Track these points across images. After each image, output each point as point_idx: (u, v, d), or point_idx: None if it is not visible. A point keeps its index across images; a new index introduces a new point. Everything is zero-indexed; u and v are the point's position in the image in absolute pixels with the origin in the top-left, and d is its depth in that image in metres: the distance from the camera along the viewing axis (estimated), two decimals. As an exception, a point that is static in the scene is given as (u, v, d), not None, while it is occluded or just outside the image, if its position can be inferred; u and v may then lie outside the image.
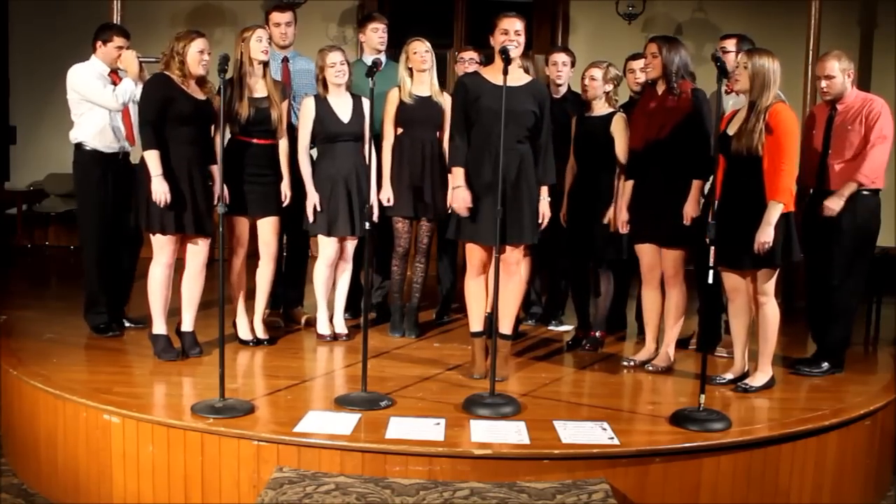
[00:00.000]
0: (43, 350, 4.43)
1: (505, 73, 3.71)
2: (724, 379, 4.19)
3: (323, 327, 4.82)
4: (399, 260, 4.96)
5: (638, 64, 4.83)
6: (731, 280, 4.12)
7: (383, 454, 3.32)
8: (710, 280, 3.68)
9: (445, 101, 4.80)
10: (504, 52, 3.79)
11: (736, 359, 4.24)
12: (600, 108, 4.65)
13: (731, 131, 3.97)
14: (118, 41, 4.61)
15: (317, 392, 4.00)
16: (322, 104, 4.70)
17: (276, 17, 5.07)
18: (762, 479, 3.55)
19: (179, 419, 3.50)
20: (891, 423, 4.12)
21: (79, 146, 4.69)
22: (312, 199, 4.66)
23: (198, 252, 4.36)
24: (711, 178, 4.14)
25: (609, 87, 4.64)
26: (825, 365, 4.40)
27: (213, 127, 4.36)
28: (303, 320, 5.14)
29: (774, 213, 3.85)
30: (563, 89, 5.09)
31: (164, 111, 4.15)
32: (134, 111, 4.60)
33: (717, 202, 3.75)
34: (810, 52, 6.18)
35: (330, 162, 4.69)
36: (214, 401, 3.59)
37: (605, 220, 4.55)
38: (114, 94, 4.52)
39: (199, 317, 4.50)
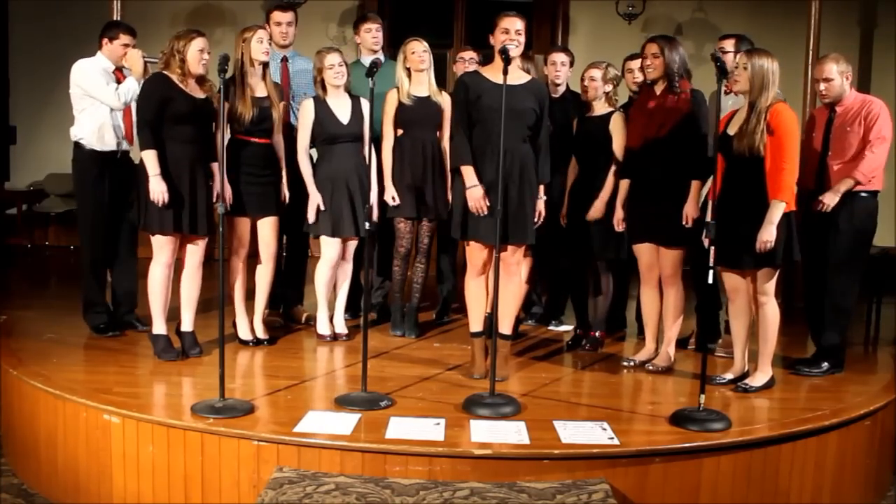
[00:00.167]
0: (43, 350, 4.43)
1: (505, 72, 3.71)
2: (724, 379, 4.19)
3: (323, 327, 4.82)
4: (400, 260, 4.96)
5: (637, 64, 4.83)
6: (732, 280, 4.12)
7: (383, 454, 3.32)
8: (710, 280, 3.69)
9: (445, 100, 4.81)
10: (504, 52, 3.78)
11: (736, 359, 4.24)
12: (600, 109, 4.65)
13: (731, 131, 3.97)
14: (124, 39, 4.62)
15: (317, 392, 4.00)
16: (321, 105, 4.70)
17: (278, 16, 5.08)
18: (762, 479, 3.55)
19: (179, 419, 3.50)
20: (891, 423, 4.12)
21: (77, 144, 4.69)
22: (315, 199, 4.66)
23: (195, 251, 4.36)
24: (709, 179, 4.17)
25: (609, 88, 4.64)
26: (825, 365, 4.40)
27: (213, 126, 4.36)
28: (303, 318, 5.14)
29: (777, 211, 3.85)
30: (562, 89, 5.10)
31: (162, 111, 4.15)
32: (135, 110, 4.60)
33: (715, 202, 3.75)
34: (810, 53, 6.18)
35: (330, 163, 4.70)
36: (214, 401, 3.59)
37: (591, 216, 4.53)
38: (116, 92, 4.52)
39: (199, 317, 4.50)
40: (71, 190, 8.03)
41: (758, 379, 4.10)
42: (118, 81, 4.60)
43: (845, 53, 4.43)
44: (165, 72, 4.23)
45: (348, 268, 4.84)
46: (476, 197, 4.00)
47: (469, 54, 5.15)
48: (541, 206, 4.17)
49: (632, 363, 4.48)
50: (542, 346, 4.88)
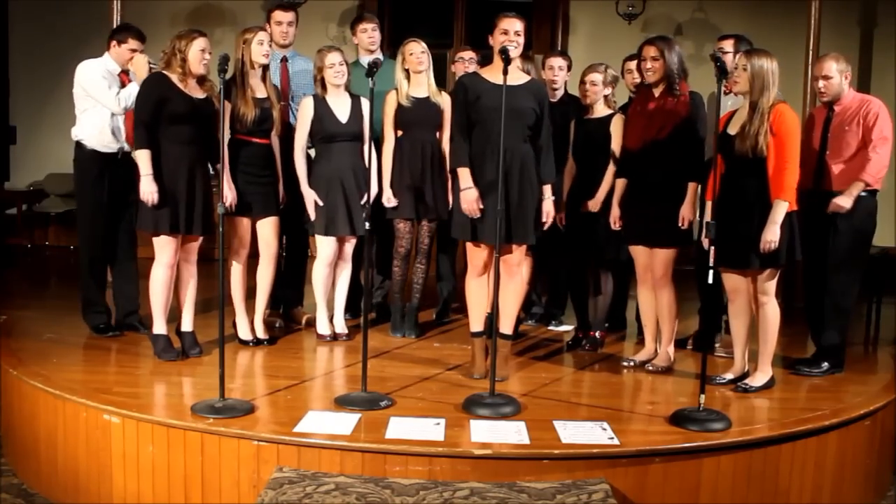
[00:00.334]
0: (43, 350, 4.43)
1: (505, 72, 3.70)
2: (724, 379, 4.19)
3: (323, 327, 4.82)
4: (400, 260, 4.96)
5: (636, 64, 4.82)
6: (732, 280, 4.12)
7: (383, 454, 3.32)
8: (710, 280, 3.69)
9: (444, 101, 4.80)
10: (504, 52, 3.79)
11: (736, 359, 4.24)
12: (600, 111, 4.65)
13: (731, 131, 3.97)
14: (132, 44, 4.62)
15: (317, 392, 4.00)
16: (321, 104, 4.70)
17: (279, 15, 5.07)
18: (762, 479, 3.55)
19: (179, 419, 3.50)
20: (891, 423, 4.12)
21: (79, 144, 4.69)
22: (310, 197, 4.67)
23: (192, 250, 4.37)
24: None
25: (608, 91, 4.65)
26: (825, 365, 4.40)
27: (213, 126, 4.35)
28: (303, 320, 5.14)
29: (781, 211, 3.86)
30: (560, 93, 5.09)
31: (160, 111, 4.15)
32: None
33: (714, 202, 3.76)
34: (810, 53, 6.18)
35: (327, 162, 4.70)
36: (214, 401, 3.59)
37: (591, 208, 4.53)
38: (117, 97, 4.52)
39: (199, 317, 4.51)
40: (71, 190, 8.04)
41: (758, 379, 4.11)
42: (123, 84, 4.60)
43: (845, 53, 4.43)
44: (166, 71, 4.23)
45: (347, 268, 4.84)
46: (469, 199, 4.02)
47: (469, 54, 5.15)
48: (549, 206, 4.15)
49: (632, 363, 4.48)
50: (542, 346, 4.88)
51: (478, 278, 4.20)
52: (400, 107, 4.81)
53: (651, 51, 4.25)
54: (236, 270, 4.63)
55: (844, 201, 4.24)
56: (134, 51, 4.61)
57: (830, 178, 4.33)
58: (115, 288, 4.89)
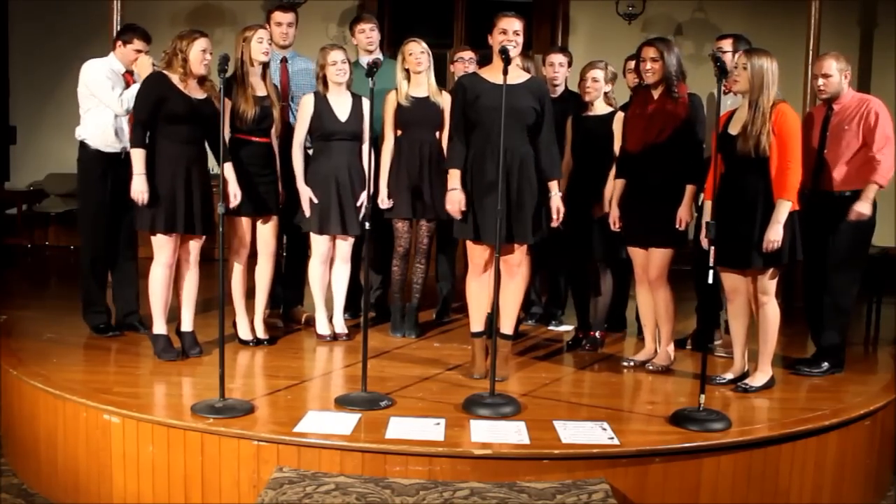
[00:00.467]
0: (43, 350, 4.43)
1: (505, 72, 3.70)
2: (724, 379, 4.19)
3: (323, 327, 4.82)
4: (399, 260, 4.96)
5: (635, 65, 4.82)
6: (731, 280, 4.12)
7: (383, 454, 3.32)
8: (710, 280, 3.69)
9: (444, 100, 4.80)
10: (504, 52, 3.79)
11: (736, 359, 4.24)
12: (600, 108, 4.65)
13: (732, 131, 3.97)
14: (138, 44, 4.62)
15: (317, 392, 4.00)
16: (321, 101, 4.71)
17: (279, 16, 5.08)
18: (762, 479, 3.55)
19: (179, 419, 3.50)
20: (891, 423, 4.12)
21: (83, 144, 4.69)
22: (305, 194, 4.67)
23: (191, 250, 4.37)
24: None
25: (609, 88, 4.65)
26: (825, 365, 4.40)
27: (213, 126, 4.35)
28: (303, 319, 5.14)
29: (784, 211, 3.86)
30: (560, 89, 5.10)
31: (158, 110, 4.16)
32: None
33: (713, 202, 3.75)
34: (810, 52, 6.17)
35: (324, 160, 4.70)
36: (214, 401, 3.59)
37: (598, 214, 4.54)
38: (119, 98, 4.52)
39: (199, 317, 4.51)
40: (71, 190, 8.07)
41: (758, 379, 4.10)
42: (127, 84, 4.60)
43: (845, 53, 4.43)
44: (166, 71, 4.23)
45: (345, 268, 4.84)
46: (453, 200, 4.06)
47: (468, 54, 5.15)
48: (558, 202, 4.13)
49: (632, 363, 4.48)
50: (542, 346, 4.88)
51: (478, 278, 4.20)
52: (399, 106, 4.81)
53: (650, 52, 4.24)
54: (236, 270, 4.63)
55: (864, 207, 4.24)
56: (139, 51, 4.61)
57: (829, 178, 4.33)
58: (115, 288, 4.90)
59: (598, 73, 4.61)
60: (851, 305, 4.48)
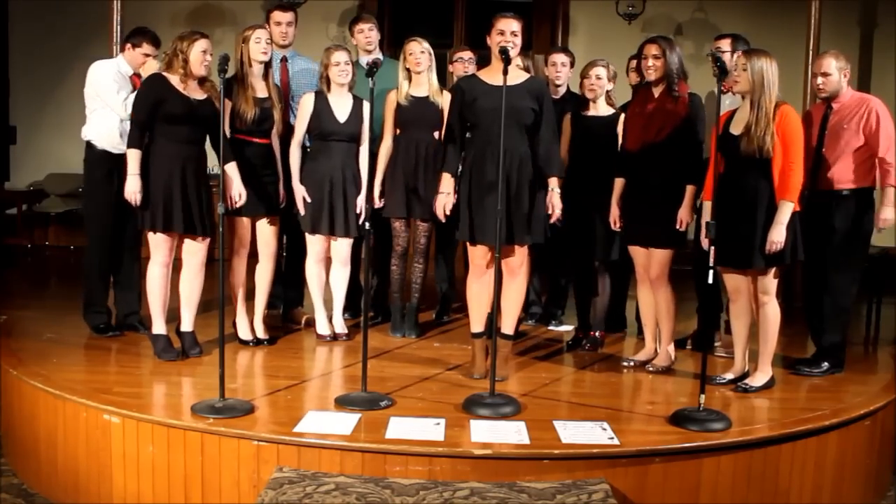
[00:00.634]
0: (43, 350, 4.43)
1: (505, 72, 3.70)
2: (724, 379, 4.19)
3: (322, 327, 4.82)
4: (398, 259, 4.96)
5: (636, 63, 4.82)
6: (734, 280, 4.12)
7: (383, 454, 3.32)
8: (710, 280, 3.69)
9: (445, 100, 4.80)
10: (504, 53, 3.78)
11: (736, 359, 4.24)
12: (602, 109, 4.65)
13: (734, 131, 3.96)
14: (147, 48, 4.63)
15: (317, 392, 4.00)
16: (321, 101, 4.71)
17: (278, 16, 5.09)
18: (762, 479, 3.55)
19: (179, 419, 3.50)
20: (891, 423, 4.12)
21: (89, 144, 4.70)
22: (299, 192, 4.68)
23: (195, 252, 4.36)
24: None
25: (611, 86, 4.66)
26: (825, 365, 4.40)
27: (213, 126, 4.35)
28: (303, 320, 5.14)
29: (787, 212, 3.86)
30: (563, 90, 5.10)
31: (156, 111, 4.16)
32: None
33: (713, 202, 3.75)
34: (810, 52, 6.17)
35: (321, 160, 4.71)
36: (214, 401, 3.59)
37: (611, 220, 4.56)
38: (124, 102, 4.53)
39: (199, 317, 4.50)
40: (71, 190, 8.08)
41: (758, 379, 4.10)
42: (134, 87, 4.61)
43: (845, 53, 4.43)
44: (166, 72, 4.24)
45: (345, 271, 4.84)
46: (441, 203, 4.14)
47: (468, 54, 5.15)
48: (554, 199, 4.10)
49: (632, 363, 4.48)
50: (542, 347, 4.88)
51: (479, 279, 4.20)
52: (399, 106, 4.82)
53: (653, 49, 4.25)
54: (236, 270, 4.63)
55: (889, 213, 4.26)
56: (147, 55, 4.61)
57: (828, 177, 4.33)
58: (117, 288, 4.89)
59: (601, 71, 4.61)
60: (850, 306, 4.48)
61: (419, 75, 4.81)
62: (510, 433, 3.45)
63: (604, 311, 4.81)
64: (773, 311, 4.04)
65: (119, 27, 6.18)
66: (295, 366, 4.39)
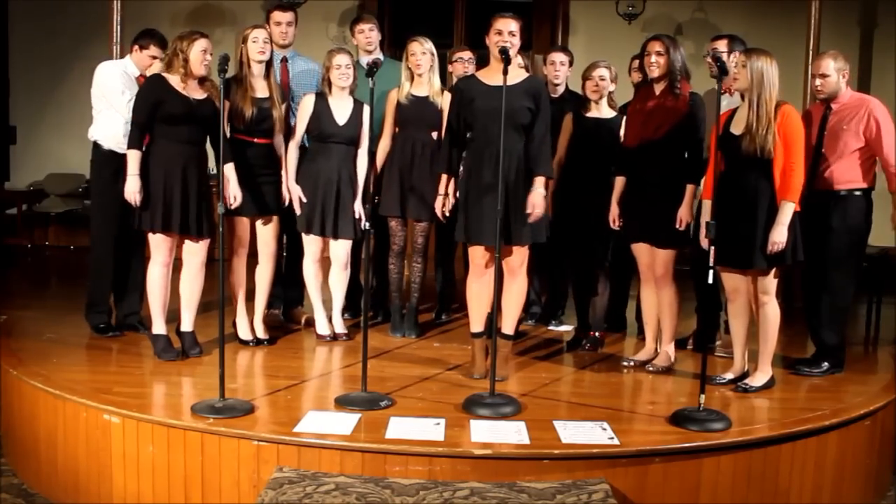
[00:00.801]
0: (43, 350, 4.43)
1: (505, 72, 3.70)
2: (724, 379, 4.19)
3: (322, 327, 4.82)
4: (395, 258, 4.97)
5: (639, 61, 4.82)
6: (732, 280, 4.12)
7: (383, 454, 3.32)
8: (710, 280, 3.69)
9: (445, 101, 4.80)
10: (504, 53, 3.78)
11: (736, 359, 4.24)
12: (605, 111, 4.66)
13: (735, 131, 3.96)
14: (154, 50, 4.63)
15: (317, 392, 3.99)
16: (321, 102, 4.72)
17: (278, 16, 5.09)
18: (762, 479, 3.55)
19: (179, 419, 3.50)
20: (891, 423, 4.12)
21: (96, 144, 4.70)
22: (295, 192, 4.68)
23: (195, 252, 4.36)
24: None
25: (613, 87, 4.66)
26: (825, 365, 4.40)
27: (214, 126, 4.35)
28: (303, 320, 5.14)
29: (788, 213, 3.87)
30: (561, 89, 5.10)
31: (155, 112, 4.17)
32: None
33: (713, 201, 3.75)
34: (810, 52, 6.18)
35: (318, 161, 4.71)
36: (214, 401, 3.59)
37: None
38: (128, 104, 4.53)
39: (199, 317, 4.50)
40: (71, 190, 8.09)
41: (758, 379, 4.11)
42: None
43: (844, 53, 4.43)
44: (166, 72, 4.24)
45: (344, 274, 4.84)
46: (440, 204, 4.18)
47: (467, 54, 5.15)
48: (536, 197, 4.04)
49: (632, 363, 4.48)
50: (542, 346, 4.88)
51: (479, 279, 4.20)
52: (399, 104, 4.83)
53: (656, 45, 4.24)
54: (236, 270, 4.64)
55: None
56: (154, 57, 4.62)
57: (826, 177, 4.32)
58: (119, 288, 4.88)
59: (604, 73, 4.62)
60: (848, 305, 4.48)
61: (420, 76, 4.81)
62: (510, 433, 3.45)
63: (603, 311, 4.81)
64: (772, 311, 4.05)
65: (119, 27, 6.19)
66: (295, 366, 4.39)
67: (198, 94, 4.27)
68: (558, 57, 5.08)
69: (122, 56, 5.94)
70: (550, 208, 4.67)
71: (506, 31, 3.97)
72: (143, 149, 4.24)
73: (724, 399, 3.98)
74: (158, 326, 4.36)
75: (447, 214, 4.18)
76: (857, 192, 4.30)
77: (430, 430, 3.46)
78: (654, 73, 4.26)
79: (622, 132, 4.55)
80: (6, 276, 7.03)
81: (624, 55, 5.29)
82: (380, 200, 4.83)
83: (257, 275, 4.69)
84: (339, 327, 4.85)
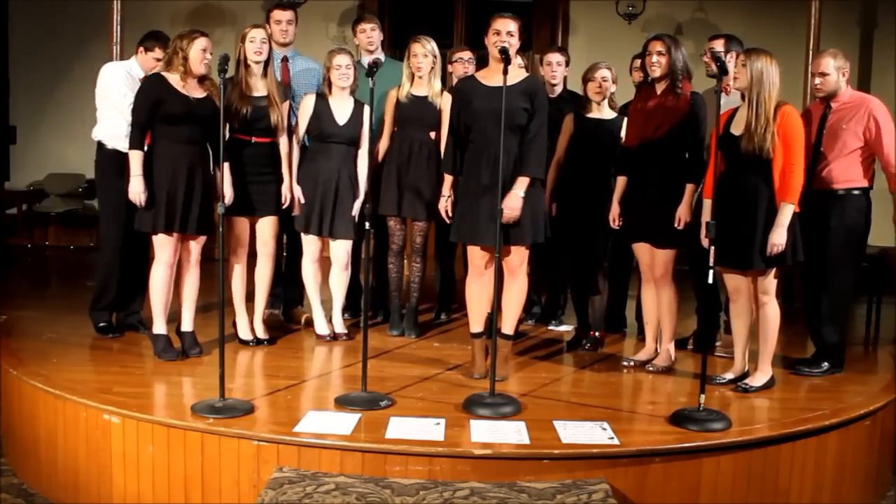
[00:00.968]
0: (43, 350, 4.43)
1: (505, 73, 3.70)
2: (724, 379, 4.19)
3: (322, 327, 4.82)
4: (394, 258, 4.97)
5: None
6: (734, 280, 4.12)
7: (383, 454, 3.32)
8: (710, 280, 3.69)
9: (445, 101, 4.80)
10: (504, 53, 3.78)
11: (736, 359, 4.24)
12: (606, 112, 4.66)
13: (735, 131, 3.96)
14: (159, 53, 4.63)
15: (317, 392, 3.99)
16: (322, 102, 4.72)
17: (278, 14, 5.10)
18: (762, 479, 3.55)
19: (179, 419, 3.50)
20: (891, 423, 4.12)
21: (100, 144, 4.70)
22: (295, 192, 4.69)
23: (191, 249, 4.37)
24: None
25: (614, 88, 4.66)
26: (825, 365, 4.40)
27: (214, 125, 4.35)
28: (303, 320, 5.15)
29: (787, 214, 3.87)
30: (559, 89, 5.10)
31: (155, 112, 4.17)
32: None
33: (713, 201, 3.75)
34: (810, 52, 6.18)
35: (319, 161, 4.71)
36: (214, 401, 3.59)
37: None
38: (130, 106, 4.53)
39: (199, 317, 4.51)
40: (71, 190, 8.09)
41: (758, 379, 4.11)
42: None
43: (844, 52, 4.42)
44: (166, 72, 4.24)
45: (344, 275, 4.83)
46: (442, 205, 4.20)
47: (467, 54, 5.15)
48: (513, 200, 3.93)
49: (632, 363, 4.48)
50: (542, 346, 4.88)
51: (478, 280, 4.19)
52: (398, 102, 4.84)
53: (657, 45, 4.24)
54: (236, 270, 4.64)
55: None
56: (158, 60, 4.62)
57: (825, 177, 4.32)
58: (122, 288, 4.87)
59: (607, 73, 4.62)
60: (847, 305, 4.48)
61: (421, 78, 4.81)
62: (510, 433, 3.45)
63: (603, 310, 4.81)
64: (772, 312, 4.05)
65: (119, 27, 6.19)
66: (295, 366, 4.39)
67: (197, 92, 4.27)
68: (555, 57, 5.08)
69: (122, 56, 5.96)
70: (550, 208, 4.68)
71: (504, 31, 3.96)
72: (146, 149, 4.24)
73: (724, 399, 3.98)
74: (159, 326, 4.36)
75: (450, 215, 4.18)
76: (856, 192, 4.30)
77: (430, 430, 3.46)
78: (656, 72, 4.26)
79: (623, 135, 4.55)
80: (6, 276, 7.02)
81: (624, 55, 5.28)
82: (379, 200, 4.83)
83: (257, 275, 4.69)
84: (339, 327, 4.85)
